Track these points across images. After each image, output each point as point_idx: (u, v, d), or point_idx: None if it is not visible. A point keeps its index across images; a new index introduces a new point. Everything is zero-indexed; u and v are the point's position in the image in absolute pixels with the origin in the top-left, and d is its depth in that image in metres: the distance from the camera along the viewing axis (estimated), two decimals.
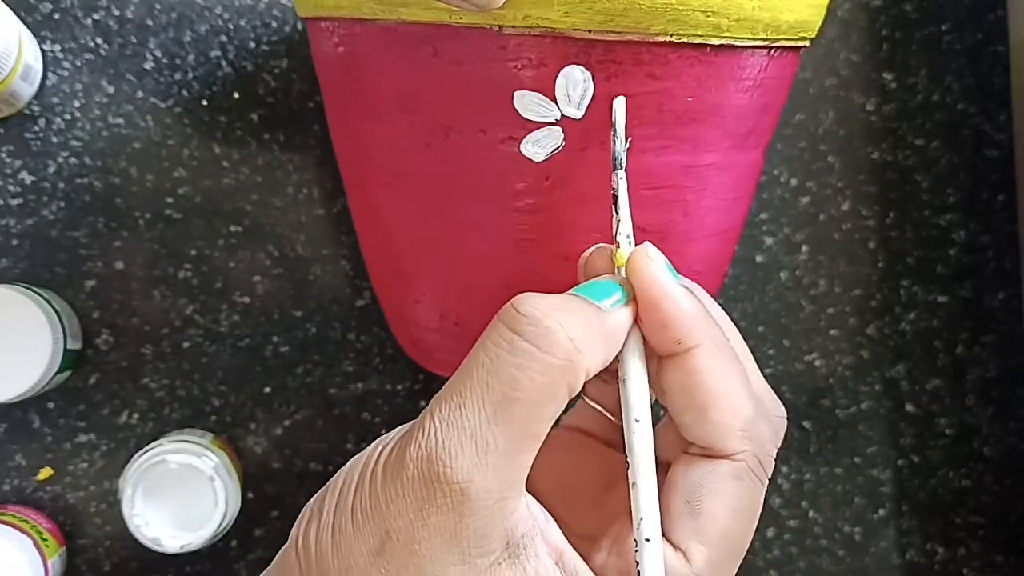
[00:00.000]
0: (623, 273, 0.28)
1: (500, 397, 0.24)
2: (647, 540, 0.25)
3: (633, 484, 0.26)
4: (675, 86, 0.30)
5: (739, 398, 0.27)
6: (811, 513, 0.47)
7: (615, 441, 0.31)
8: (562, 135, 0.31)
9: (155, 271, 0.44)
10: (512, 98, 0.30)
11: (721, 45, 0.30)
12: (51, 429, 0.44)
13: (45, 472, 0.44)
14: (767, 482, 0.28)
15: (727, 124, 0.32)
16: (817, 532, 0.47)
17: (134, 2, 0.43)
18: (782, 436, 0.29)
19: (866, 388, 0.47)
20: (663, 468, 0.28)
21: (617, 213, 0.29)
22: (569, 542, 0.26)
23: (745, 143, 0.34)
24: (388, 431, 0.45)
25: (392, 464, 0.24)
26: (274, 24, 0.44)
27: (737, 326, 0.47)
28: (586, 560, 0.26)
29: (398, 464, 0.24)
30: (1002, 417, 0.47)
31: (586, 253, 0.30)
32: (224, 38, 0.44)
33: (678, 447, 0.28)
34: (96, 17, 0.43)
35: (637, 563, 0.25)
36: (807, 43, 0.33)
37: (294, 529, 0.26)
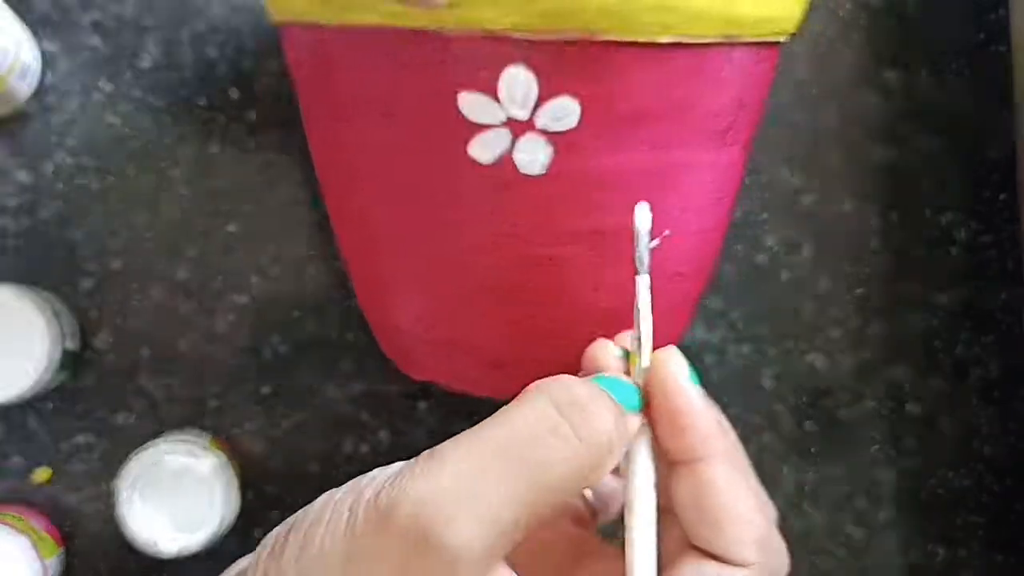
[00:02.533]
0: (640, 375, 0.28)
1: (528, 478, 0.23)
2: None
3: (631, 560, 0.26)
4: (624, 86, 0.30)
5: (752, 511, 0.27)
6: (811, 513, 0.47)
7: (585, 520, 0.32)
8: (510, 136, 0.30)
9: (152, 271, 0.44)
10: (456, 100, 0.30)
11: (672, 43, 0.29)
12: (49, 430, 0.44)
13: (43, 473, 0.44)
14: None
15: (694, 122, 0.31)
16: (818, 533, 0.47)
17: (132, 1, 0.43)
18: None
19: (866, 388, 0.47)
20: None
21: (638, 316, 0.28)
22: None
23: (722, 140, 0.33)
24: (386, 431, 0.45)
25: (377, 508, 0.22)
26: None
27: (737, 326, 0.47)
28: None
29: (387, 510, 0.22)
30: (1002, 417, 0.47)
31: (594, 348, 0.30)
32: (222, 37, 0.44)
33: (680, 543, 0.28)
34: (94, 16, 0.43)
35: None
36: (783, 39, 0.33)
37: (251, 564, 0.24)
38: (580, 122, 0.30)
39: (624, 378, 0.28)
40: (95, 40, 0.43)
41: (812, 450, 0.47)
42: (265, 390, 0.45)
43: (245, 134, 0.44)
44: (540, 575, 0.28)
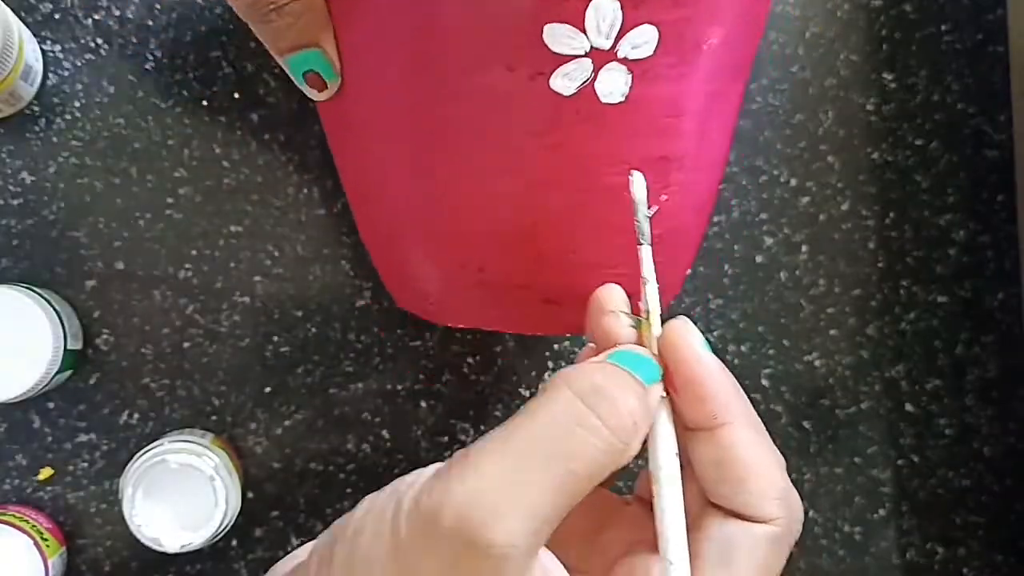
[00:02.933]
0: (653, 344, 0.28)
1: (561, 469, 0.24)
2: (671, 563, 0.26)
3: (663, 536, 0.27)
4: (695, 13, 0.31)
5: (774, 468, 0.28)
6: (811, 513, 0.47)
7: (606, 481, 0.32)
8: (591, 66, 0.31)
9: (155, 271, 0.44)
10: (542, 32, 0.30)
11: None
12: (51, 429, 0.44)
13: (45, 472, 0.44)
14: (792, 546, 0.28)
15: (725, 54, 0.33)
16: (817, 532, 0.47)
17: (134, 2, 0.43)
18: None
19: (866, 388, 0.47)
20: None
21: (644, 286, 0.29)
22: None
23: (738, 74, 0.35)
24: (388, 431, 0.46)
25: (424, 515, 0.23)
26: None
27: (737, 326, 0.47)
28: None
29: (432, 515, 0.23)
30: (1002, 417, 0.47)
31: (607, 320, 0.30)
32: (224, 38, 0.44)
33: (698, 502, 0.28)
34: (96, 17, 0.43)
35: None
36: None
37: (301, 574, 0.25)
38: (657, 50, 0.30)
39: (639, 350, 0.28)
40: (98, 41, 0.44)
41: (811, 450, 0.47)
42: (267, 390, 0.45)
43: (248, 135, 0.44)
44: (564, 539, 0.28)
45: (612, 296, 0.31)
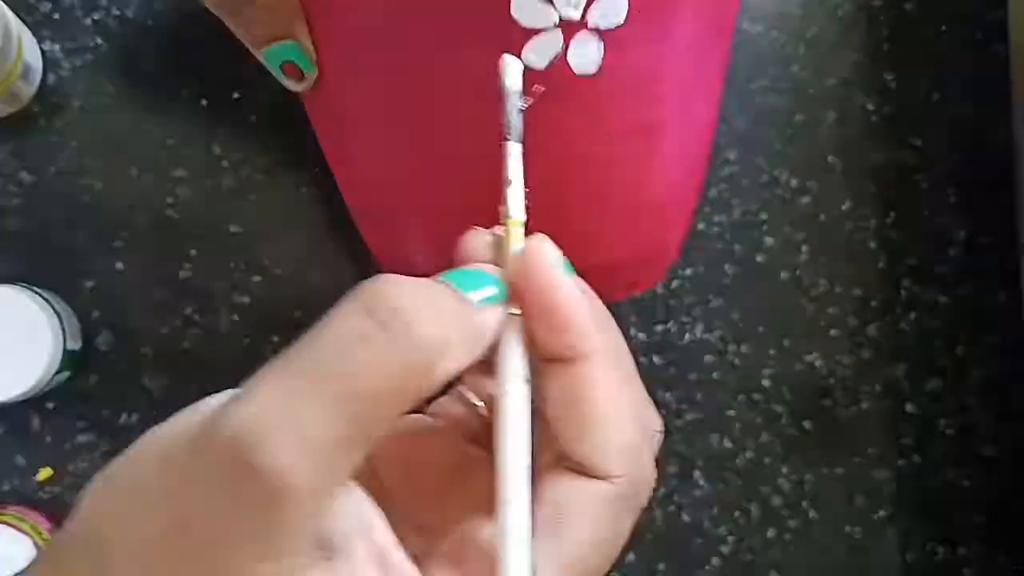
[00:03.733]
0: (508, 260, 0.25)
1: (341, 389, 0.21)
2: (507, 502, 0.22)
3: (499, 472, 0.23)
4: None
5: (624, 418, 0.24)
6: (811, 513, 0.47)
7: (473, 431, 0.28)
8: (562, 39, 0.30)
9: (155, 271, 0.44)
10: (509, 6, 0.30)
11: None
12: (51, 429, 0.44)
13: (45, 472, 0.44)
14: (639, 512, 0.25)
15: (703, 17, 0.33)
16: (817, 532, 0.47)
17: (134, 2, 0.43)
18: (656, 450, 0.26)
19: (866, 388, 0.47)
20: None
21: (506, 188, 0.25)
22: (404, 535, 0.23)
23: (720, 33, 0.35)
24: None
25: (201, 439, 0.21)
26: None
27: (737, 326, 0.47)
28: (420, 556, 0.23)
29: (207, 439, 0.21)
30: (1002, 417, 0.47)
31: (464, 237, 0.26)
32: (225, 39, 0.44)
33: (548, 456, 0.25)
34: (96, 17, 0.43)
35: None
36: None
37: (78, 500, 0.23)
38: (627, 17, 0.30)
39: (479, 266, 0.24)
40: (98, 41, 0.44)
41: (812, 450, 0.47)
42: None
43: (247, 136, 0.44)
44: (416, 491, 0.26)
45: (477, 232, 0.27)
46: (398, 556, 0.22)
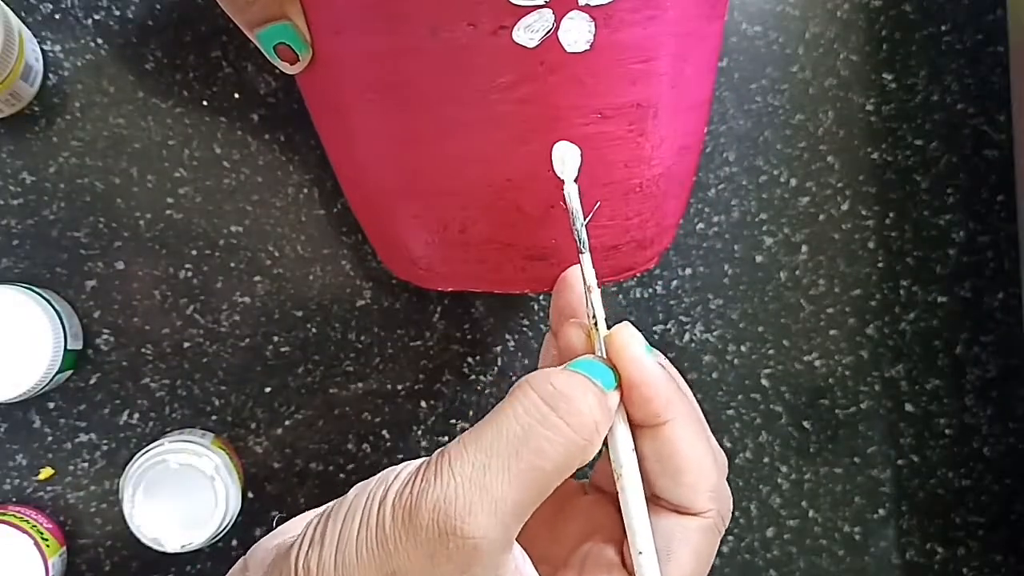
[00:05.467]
0: (602, 351, 0.30)
1: (526, 465, 0.26)
2: (641, 552, 0.29)
3: (630, 529, 0.29)
4: None
5: (708, 464, 0.30)
6: (811, 513, 0.47)
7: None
8: (553, 16, 0.30)
9: (155, 271, 0.44)
10: None
11: None
12: (52, 429, 0.44)
13: (46, 472, 0.44)
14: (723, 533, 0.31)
15: None
16: (817, 532, 0.47)
17: (134, 2, 0.44)
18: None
19: (866, 388, 0.47)
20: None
21: (589, 295, 0.30)
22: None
23: (713, 12, 0.35)
24: (388, 431, 0.46)
25: (405, 508, 0.25)
26: None
27: (737, 326, 0.47)
28: None
29: (412, 510, 0.25)
30: (1002, 417, 0.47)
31: (564, 329, 0.32)
32: (224, 38, 0.44)
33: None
34: (96, 17, 0.44)
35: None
36: None
37: (294, 550, 0.27)
38: None
39: (596, 358, 0.30)
40: (98, 41, 0.44)
41: (811, 450, 0.47)
42: (267, 390, 0.45)
43: (248, 135, 0.44)
44: (529, 528, 0.30)
45: (580, 278, 0.33)
46: None
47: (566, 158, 0.33)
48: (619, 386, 0.29)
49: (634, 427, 0.30)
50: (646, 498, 0.30)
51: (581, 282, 0.32)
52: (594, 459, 0.29)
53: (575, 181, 0.32)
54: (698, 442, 0.30)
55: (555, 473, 0.26)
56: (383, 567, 0.25)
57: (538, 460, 0.26)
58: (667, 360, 0.32)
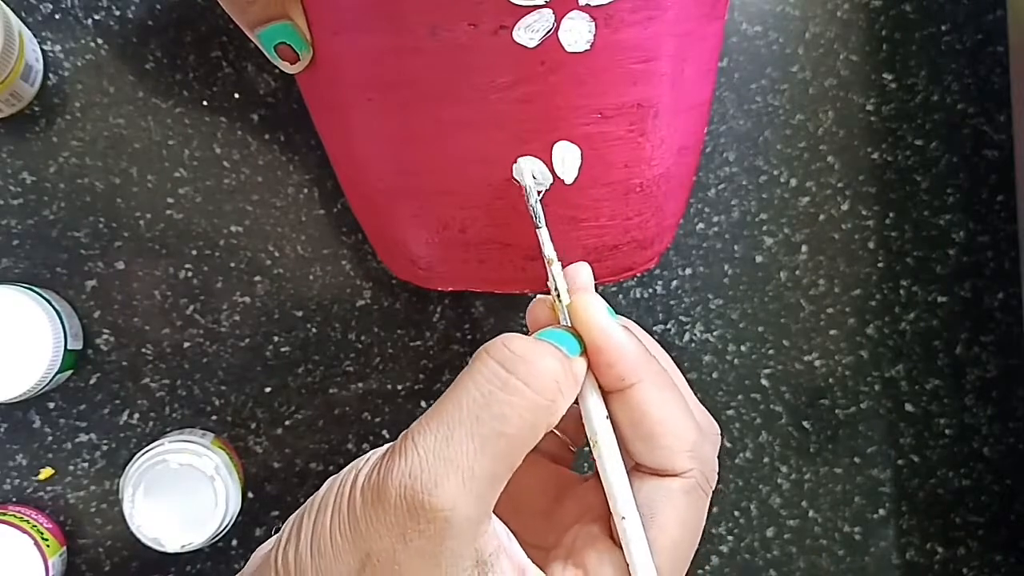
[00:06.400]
0: (565, 318, 0.30)
1: (488, 431, 0.26)
2: (623, 518, 0.28)
3: (611, 495, 0.29)
4: None
5: (683, 424, 0.29)
6: (811, 513, 0.47)
7: (561, 457, 0.35)
8: (553, 16, 0.31)
9: (155, 271, 0.44)
10: None
11: None
12: (52, 429, 0.44)
13: (46, 472, 0.44)
14: (711, 494, 0.30)
15: None
16: (817, 532, 0.47)
17: (134, 2, 0.44)
18: (717, 450, 0.31)
19: (865, 388, 0.47)
20: None
21: (550, 267, 0.30)
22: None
23: (713, 12, 0.35)
24: (388, 431, 0.46)
25: (373, 489, 0.25)
26: None
27: (737, 326, 0.47)
28: (541, 567, 0.28)
29: (380, 489, 0.25)
30: (1002, 417, 0.47)
31: (531, 306, 0.32)
32: (224, 38, 0.44)
33: (627, 464, 0.30)
34: (96, 17, 0.44)
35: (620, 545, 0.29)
36: None
37: (272, 550, 0.27)
38: None
39: (560, 327, 0.30)
40: (98, 41, 0.44)
41: (810, 450, 0.47)
42: (267, 390, 0.45)
43: (248, 135, 0.44)
44: (523, 514, 0.30)
45: (579, 275, 0.33)
46: (534, 570, 0.27)
47: (566, 158, 0.33)
48: (584, 353, 0.29)
49: (605, 394, 0.30)
50: (626, 466, 0.29)
51: (579, 279, 0.32)
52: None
53: (574, 182, 0.32)
54: (670, 403, 0.29)
55: (520, 438, 0.26)
56: (356, 550, 0.25)
57: (501, 425, 0.26)
58: (636, 325, 0.32)
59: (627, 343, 0.29)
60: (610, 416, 0.29)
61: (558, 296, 0.30)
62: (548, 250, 0.31)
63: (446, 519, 0.25)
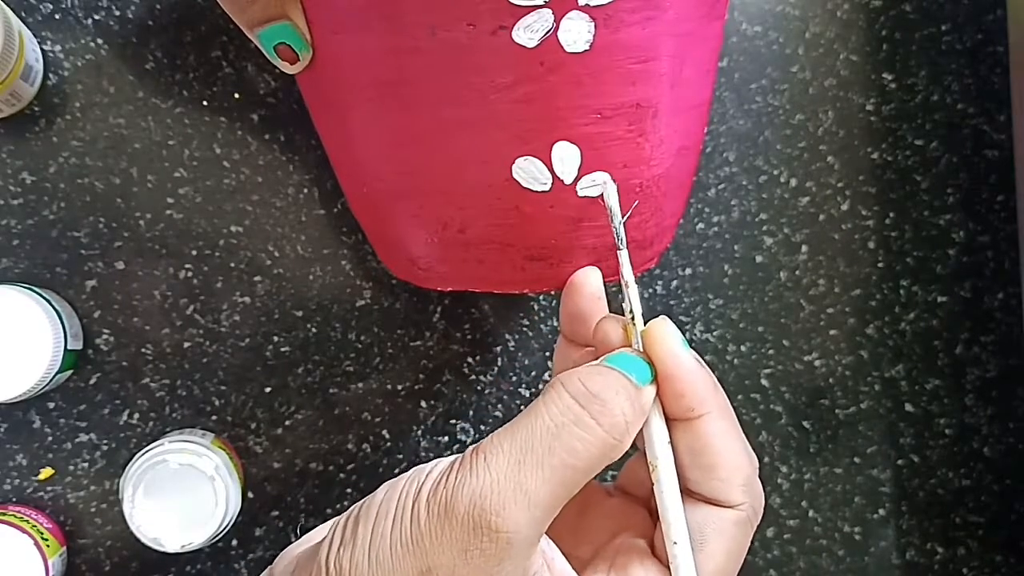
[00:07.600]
0: (639, 345, 0.30)
1: (558, 462, 0.27)
2: (675, 543, 0.29)
3: (665, 520, 0.29)
4: None
5: (741, 458, 0.30)
6: (811, 513, 0.47)
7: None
8: (552, 16, 0.31)
9: (155, 271, 0.44)
10: None
11: None
12: (52, 429, 0.44)
13: (46, 472, 0.44)
14: (756, 527, 0.31)
15: None
16: (817, 532, 0.47)
17: (134, 2, 0.44)
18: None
19: (866, 388, 0.47)
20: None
21: (626, 289, 0.31)
22: None
23: (712, 13, 0.35)
24: (388, 431, 0.46)
25: (441, 503, 0.26)
26: None
27: (737, 326, 0.47)
28: None
29: (448, 505, 0.26)
30: (1002, 417, 0.47)
31: (600, 323, 0.32)
32: (224, 38, 0.44)
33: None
34: (96, 17, 0.44)
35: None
36: None
37: (324, 553, 0.27)
38: None
39: (633, 352, 0.30)
40: (98, 41, 0.44)
41: (810, 450, 0.47)
42: (267, 390, 0.45)
43: (248, 135, 0.44)
44: (555, 533, 0.31)
45: (588, 281, 0.34)
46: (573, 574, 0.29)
47: (565, 158, 0.33)
48: (655, 380, 0.29)
49: (669, 421, 0.30)
50: (680, 490, 0.30)
51: (589, 285, 0.33)
52: (620, 460, 0.30)
53: (573, 183, 0.32)
54: (731, 437, 0.30)
55: (586, 470, 0.27)
56: (418, 563, 0.26)
57: (571, 458, 0.27)
58: (702, 361, 0.32)
59: (700, 375, 0.30)
60: (671, 442, 0.30)
61: (632, 319, 0.31)
62: (627, 272, 0.31)
63: (508, 541, 0.26)
